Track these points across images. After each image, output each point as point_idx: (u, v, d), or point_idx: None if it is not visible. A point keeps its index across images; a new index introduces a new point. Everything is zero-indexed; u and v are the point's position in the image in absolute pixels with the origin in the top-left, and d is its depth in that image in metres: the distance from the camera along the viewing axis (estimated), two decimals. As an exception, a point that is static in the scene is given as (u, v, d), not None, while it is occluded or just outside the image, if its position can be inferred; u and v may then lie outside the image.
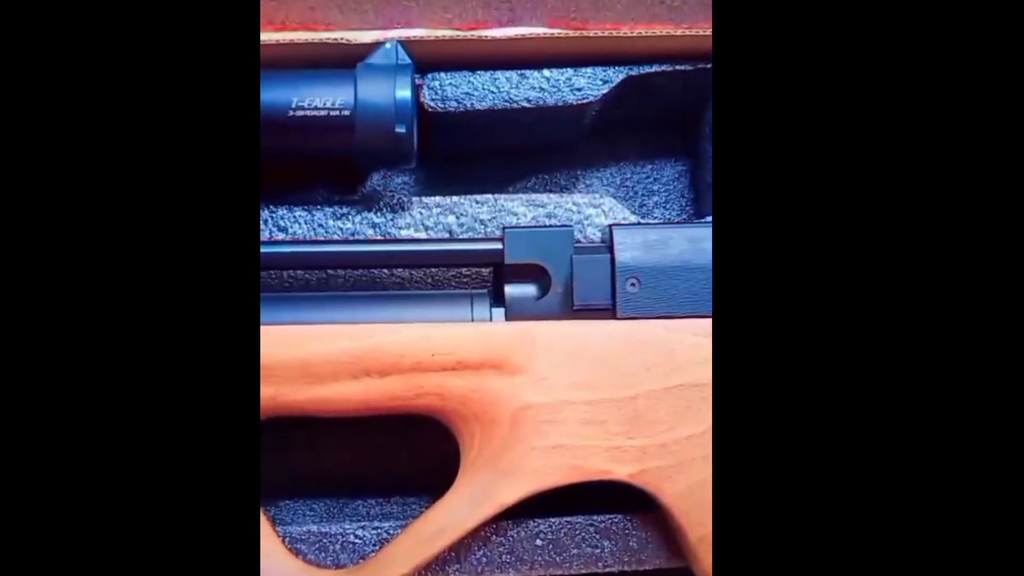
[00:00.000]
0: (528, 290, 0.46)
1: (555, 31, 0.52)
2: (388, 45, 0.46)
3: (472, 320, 0.45)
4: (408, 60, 0.46)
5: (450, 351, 0.44)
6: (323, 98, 0.44)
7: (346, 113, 0.44)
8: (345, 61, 0.48)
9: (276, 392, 0.44)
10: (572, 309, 0.45)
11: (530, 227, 0.46)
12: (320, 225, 0.50)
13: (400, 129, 0.44)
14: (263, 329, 0.43)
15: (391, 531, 0.48)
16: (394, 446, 0.54)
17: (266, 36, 0.50)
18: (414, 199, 0.51)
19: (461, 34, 0.52)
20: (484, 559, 0.48)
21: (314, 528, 0.48)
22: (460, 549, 0.47)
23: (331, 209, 0.50)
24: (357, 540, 0.48)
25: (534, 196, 0.50)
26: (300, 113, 0.44)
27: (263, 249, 0.46)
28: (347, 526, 0.49)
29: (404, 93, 0.44)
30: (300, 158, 0.47)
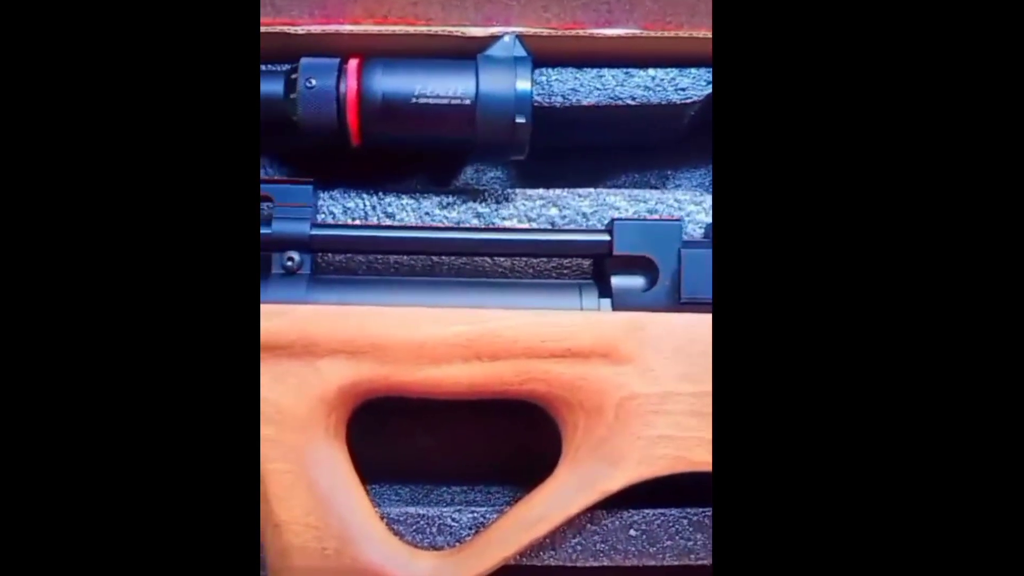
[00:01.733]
0: (635, 282, 0.46)
1: (652, 33, 0.53)
2: (507, 38, 0.47)
3: (581, 309, 0.46)
4: (525, 53, 0.47)
5: (560, 338, 0.45)
6: (445, 87, 0.45)
7: (467, 102, 0.45)
8: (445, 53, 0.49)
9: (390, 372, 0.45)
10: (679, 302, 0.46)
11: (639, 220, 0.47)
12: (427, 213, 0.51)
13: (520, 120, 0.45)
14: (378, 310, 0.45)
15: (487, 516, 0.49)
16: (477, 434, 0.55)
17: (367, 27, 0.52)
18: (517, 191, 0.52)
19: (566, 32, 0.53)
20: (579, 547, 0.48)
21: (411, 510, 0.49)
22: (555, 536, 0.47)
23: (437, 198, 0.51)
24: (453, 523, 0.49)
25: (636, 191, 0.51)
26: (423, 101, 0.45)
27: (372, 233, 0.47)
28: (444, 509, 0.49)
29: (524, 85, 0.45)
30: (415, 146, 0.48)
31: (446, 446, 0.56)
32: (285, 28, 0.50)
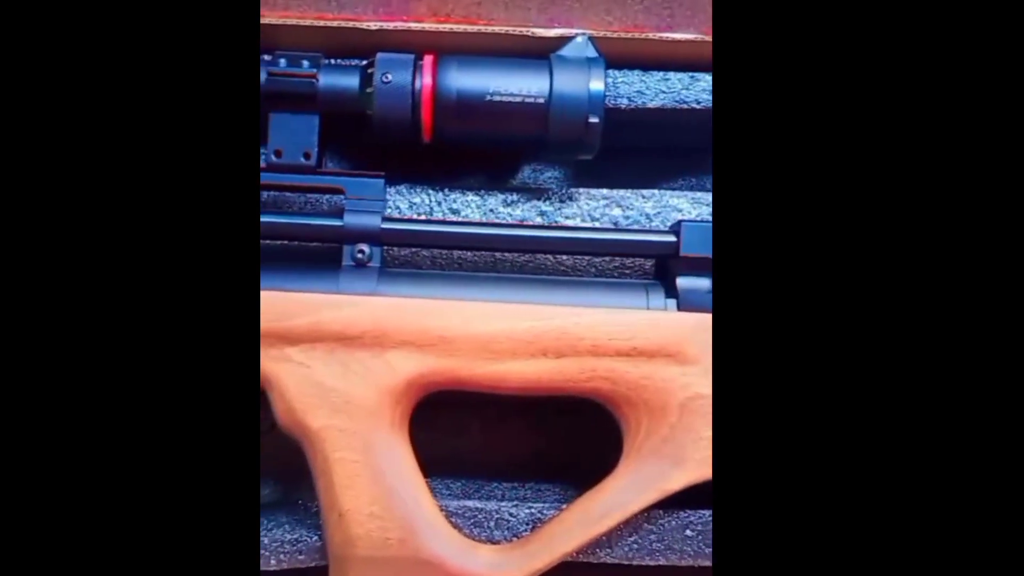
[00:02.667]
0: (701, 283, 0.47)
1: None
2: (580, 39, 0.48)
3: (648, 308, 0.46)
4: (597, 54, 0.47)
5: (627, 337, 0.45)
6: (519, 85, 0.46)
7: (540, 101, 0.45)
8: (514, 52, 0.49)
9: (456, 365, 0.45)
10: (744, 304, 0.46)
11: (705, 222, 0.48)
12: (491, 210, 0.51)
13: (593, 119, 0.45)
14: (448, 303, 0.45)
15: (544, 512, 0.49)
16: (528, 431, 0.56)
17: (429, 25, 0.52)
18: (581, 190, 0.52)
19: (632, 35, 0.53)
20: (635, 545, 0.48)
21: (469, 504, 0.50)
22: (612, 534, 0.48)
23: (502, 196, 0.52)
24: (511, 518, 0.50)
25: (699, 194, 0.52)
26: (496, 99, 0.45)
27: (441, 228, 0.48)
28: (502, 504, 0.50)
29: (598, 85, 0.46)
30: (484, 143, 0.49)
31: (497, 441, 0.56)
32: (356, 24, 0.51)
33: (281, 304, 0.45)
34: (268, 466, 0.55)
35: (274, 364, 0.45)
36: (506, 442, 0.56)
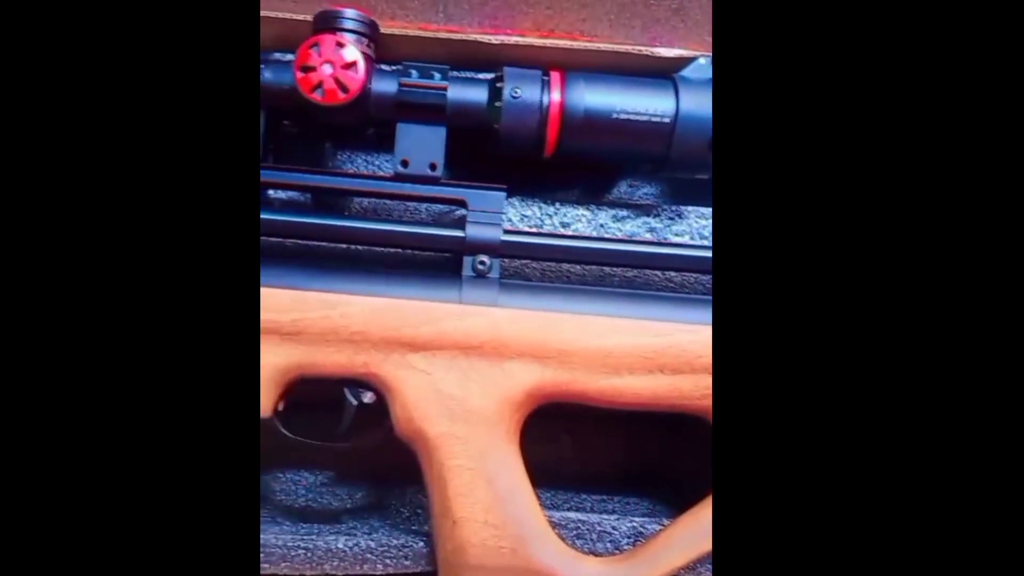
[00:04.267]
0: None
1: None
2: (702, 60, 0.49)
3: None
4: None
5: (744, 356, 0.45)
6: (645, 104, 0.46)
7: (667, 121, 0.46)
8: (632, 71, 0.50)
9: (573, 378, 0.46)
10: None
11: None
12: (601, 225, 0.52)
13: (717, 140, 0.46)
14: (568, 316, 0.46)
15: (646, 526, 0.50)
16: (619, 444, 0.56)
17: (532, 40, 0.53)
18: (689, 208, 0.53)
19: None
20: (737, 563, 0.49)
21: (572, 515, 0.50)
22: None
23: (612, 211, 0.52)
24: (613, 531, 0.50)
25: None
26: (623, 117, 0.46)
27: (558, 242, 0.48)
28: (605, 517, 0.50)
29: (722, 107, 0.46)
30: (605, 160, 0.49)
31: (586, 453, 0.57)
32: (477, 38, 0.51)
33: (404, 312, 0.45)
34: (358, 471, 0.57)
35: (396, 370, 0.45)
36: (597, 454, 0.57)
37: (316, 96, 0.44)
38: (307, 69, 0.44)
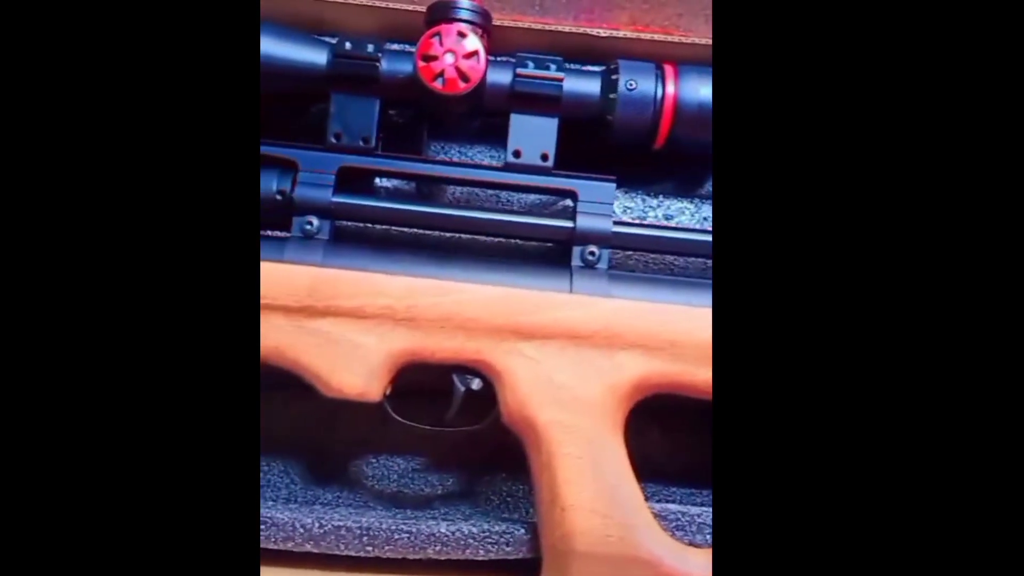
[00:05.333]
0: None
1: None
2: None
3: None
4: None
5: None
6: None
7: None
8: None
9: (681, 370, 0.46)
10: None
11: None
12: (704, 218, 0.52)
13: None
14: (679, 308, 0.46)
15: (745, 519, 0.50)
16: (707, 438, 0.56)
17: (627, 33, 0.53)
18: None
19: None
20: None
21: (672, 507, 0.50)
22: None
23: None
24: (711, 523, 0.50)
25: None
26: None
27: (666, 234, 0.48)
28: (705, 509, 0.50)
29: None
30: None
31: (674, 446, 0.57)
32: (587, 30, 0.52)
33: (517, 300, 0.46)
34: (449, 458, 0.57)
35: (506, 358, 0.46)
36: (682, 446, 0.57)
37: (437, 85, 0.45)
38: (429, 58, 0.45)
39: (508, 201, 0.54)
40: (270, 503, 0.54)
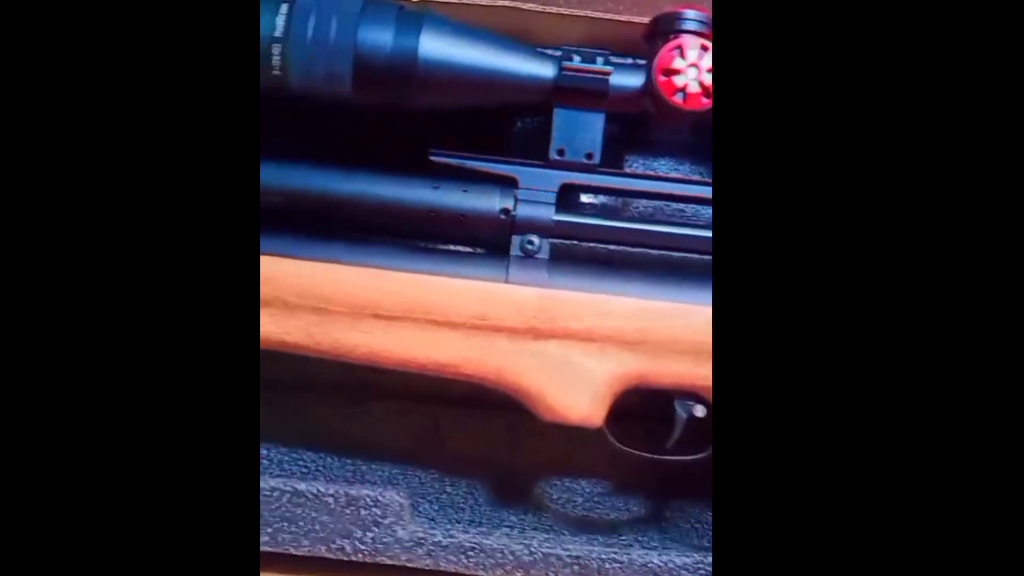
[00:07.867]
0: None
1: None
2: None
3: None
4: None
5: None
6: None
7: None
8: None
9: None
10: None
11: None
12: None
13: None
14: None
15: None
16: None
17: None
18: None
19: None
20: None
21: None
22: None
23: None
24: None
25: None
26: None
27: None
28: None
29: None
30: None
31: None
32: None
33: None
34: (636, 482, 0.56)
35: None
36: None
37: (677, 100, 0.43)
38: (669, 72, 0.43)
39: (694, 216, 0.53)
40: (456, 524, 0.53)
